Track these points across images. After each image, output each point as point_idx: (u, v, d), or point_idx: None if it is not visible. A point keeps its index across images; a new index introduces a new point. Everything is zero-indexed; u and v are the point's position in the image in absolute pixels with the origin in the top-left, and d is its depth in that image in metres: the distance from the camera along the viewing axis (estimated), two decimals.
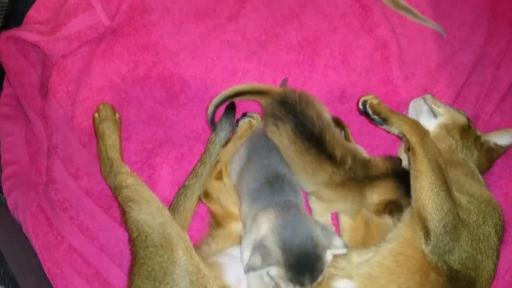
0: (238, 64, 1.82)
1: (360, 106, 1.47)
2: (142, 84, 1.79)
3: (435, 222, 1.30)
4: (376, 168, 1.46)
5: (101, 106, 1.69)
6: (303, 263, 1.25)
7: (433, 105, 1.58)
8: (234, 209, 1.60)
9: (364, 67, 1.79)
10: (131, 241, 1.44)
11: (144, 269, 1.35)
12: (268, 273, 1.27)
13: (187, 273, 1.31)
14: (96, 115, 1.69)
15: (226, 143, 1.68)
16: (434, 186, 1.32)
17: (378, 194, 1.46)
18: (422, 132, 1.42)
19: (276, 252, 1.25)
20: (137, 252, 1.40)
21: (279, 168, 1.48)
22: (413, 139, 1.39)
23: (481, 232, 1.32)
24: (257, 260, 1.23)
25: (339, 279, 1.32)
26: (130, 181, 1.52)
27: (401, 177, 1.45)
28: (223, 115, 1.70)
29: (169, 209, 1.62)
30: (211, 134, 1.69)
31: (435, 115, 1.57)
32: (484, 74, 1.76)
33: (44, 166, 1.72)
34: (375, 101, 1.45)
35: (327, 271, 1.30)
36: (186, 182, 1.65)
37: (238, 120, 1.70)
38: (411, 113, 1.63)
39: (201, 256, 1.44)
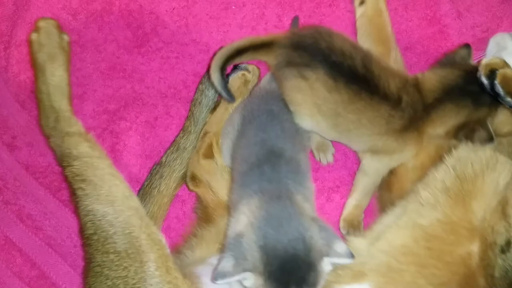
0: None
1: (483, 80, 1.07)
2: (101, 22, 1.40)
3: None
4: (428, 91, 1.12)
5: (41, 23, 1.22)
6: (289, 272, 0.90)
7: None
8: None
9: (401, 1, 1.41)
10: (84, 238, 1.05)
11: (100, 281, 0.99)
12: (241, 282, 0.93)
13: None
14: (35, 36, 1.22)
15: (215, 107, 1.30)
16: None
17: (441, 126, 1.12)
18: None
19: (254, 255, 0.91)
20: (93, 255, 1.02)
21: (276, 143, 1.10)
22: None
23: None
24: (228, 264, 0.90)
25: (344, 285, 0.99)
26: (84, 148, 1.10)
27: (460, 90, 1.11)
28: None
29: (138, 193, 1.25)
30: (196, 92, 1.31)
31: None
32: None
33: None
34: (508, 70, 1.04)
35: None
36: (164, 158, 1.29)
37: (228, 76, 1.30)
38: (491, 50, 1.27)
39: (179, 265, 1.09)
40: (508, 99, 1.06)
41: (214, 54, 1.21)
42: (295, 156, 1.10)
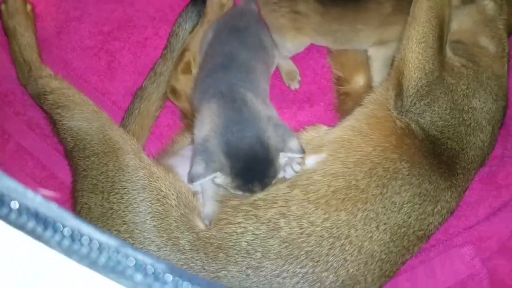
0: None
1: None
2: None
3: (411, 80, 1.11)
4: None
5: None
6: (251, 170, 0.99)
7: None
8: None
9: None
10: (68, 153, 1.16)
11: (88, 182, 1.09)
12: (213, 180, 1.02)
13: (138, 179, 1.06)
14: (3, 7, 1.32)
15: (192, 30, 1.34)
16: (424, 39, 1.12)
17: None
18: None
19: (219, 157, 0.99)
20: (77, 164, 1.12)
21: (231, 51, 1.15)
22: None
23: (466, 103, 1.12)
24: (200, 167, 0.98)
25: (306, 156, 1.07)
26: (55, 85, 1.21)
27: None
28: (190, 2, 1.35)
29: (124, 116, 1.33)
30: (174, 24, 1.35)
31: None
32: None
33: None
34: None
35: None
36: (144, 83, 1.33)
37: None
38: None
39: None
40: None
41: None
42: (250, 62, 1.15)
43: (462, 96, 1.12)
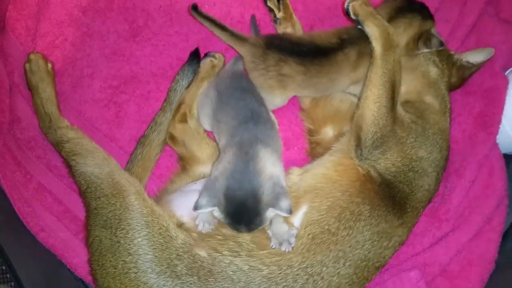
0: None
1: (345, 5, 1.32)
2: (104, 17, 1.55)
3: (368, 133, 1.22)
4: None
5: (32, 56, 1.46)
6: (240, 214, 1.13)
7: None
8: (198, 152, 1.44)
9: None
10: (82, 194, 1.30)
11: (99, 219, 1.22)
12: (212, 213, 1.17)
13: (142, 216, 1.19)
14: (27, 66, 1.45)
15: (188, 85, 1.48)
16: (378, 99, 1.23)
17: (399, 37, 1.32)
18: (390, 45, 1.26)
19: (219, 197, 1.13)
20: (89, 203, 1.25)
21: (256, 107, 1.29)
22: (377, 49, 1.26)
23: (414, 153, 1.24)
24: (204, 200, 1.13)
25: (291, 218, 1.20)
26: (72, 135, 1.36)
27: (406, 8, 1.35)
28: (187, 62, 1.49)
29: (128, 160, 1.45)
30: (172, 81, 1.48)
31: None
32: (451, 11, 1.58)
33: (7, 105, 1.50)
34: (357, 2, 1.30)
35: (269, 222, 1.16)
36: (146, 131, 1.46)
37: (199, 61, 1.48)
38: None
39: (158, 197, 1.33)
40: (354, 17, 1.30)
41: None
42: (269, 117, 1.32)
43: (410, 147, 1.26)
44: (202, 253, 1.18)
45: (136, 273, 1.16)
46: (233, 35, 1.39)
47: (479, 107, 1.47)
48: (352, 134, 1.28)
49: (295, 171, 1.31)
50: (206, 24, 1.44)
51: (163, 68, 1.57)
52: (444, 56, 1.41)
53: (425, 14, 1.36)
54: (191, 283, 1.14)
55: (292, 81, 1.35)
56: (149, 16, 1.58)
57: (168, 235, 1.19)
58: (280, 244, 1.15)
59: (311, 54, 1.32)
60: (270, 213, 1.14)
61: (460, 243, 1.37)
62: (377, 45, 1.27)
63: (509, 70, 1.50)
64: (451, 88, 1.44)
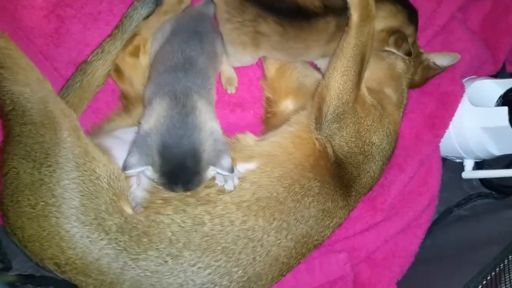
0: None
1: None
2: None
3: (330, 106, 1.16)
4: None
5: None
6: (178, 174, 1.00)
7: None
8: None
9: None
10: (4, 114, 1.06)
11: (20, 148, 1.02)
12: (144, 172, 1.02)
13: (73, 156, 1.01)
14: None
15: (147, 16, 1.27)
16: (346, 72, 1.17)
17: (379, 22, 1.24)
18: (367, 16, 1.18)
19: (153, 154, 0.98)
20: (12, 127, 1.04)
21: (193, 55, 1.12)
22: (354, 17, 1.18)
23: (368, 137, 1.21)
24: (134, 158, 0.97)
25: (238, 162, 1.13)
26: (1, 44, 1.11)
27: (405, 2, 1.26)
28: None
29: (64, 85, 1.23)
30: (130, 6, 1.27)
31: None
32: (424, 8, 1.49)
33: None
34: None
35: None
36: (89, 57, 1.24)
37: None
38: None
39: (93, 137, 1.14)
40: None
41: None
42: (207, 70, 1.14)
43: (366, 130, 1.21)
44: (137, 216, 1.03)
45: (58, 218, 0.99)
46: None
47: (432, 108, 1.45)
48: (314, 105, 1.20)
49: (251, 135, 1.22)
50: None
51: None
52: (414, 53, 1.35)
53: (413, 18, 1.29)
54: (120, 241, 1.00)
55: (267, 41, 1.21)
56: None
57: (99, 184, 1.03)
58: (226, 181, 1.05)
59: (291, 14, 1.19)
60: (210, 172, 1.02)
61: (389, 234, 1.37)
62: (354, 13, 1.18)
63: (467, 78, 1.50)
64: (412, 85, 1.39)
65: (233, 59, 1.27)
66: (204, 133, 1.01)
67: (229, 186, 1.05)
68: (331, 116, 1.17)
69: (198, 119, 1.01)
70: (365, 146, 1.21)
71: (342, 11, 1.21)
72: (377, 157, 1.24)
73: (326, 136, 1.18)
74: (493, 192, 1.55)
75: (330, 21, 1.21)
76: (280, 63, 1.34)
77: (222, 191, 1.06)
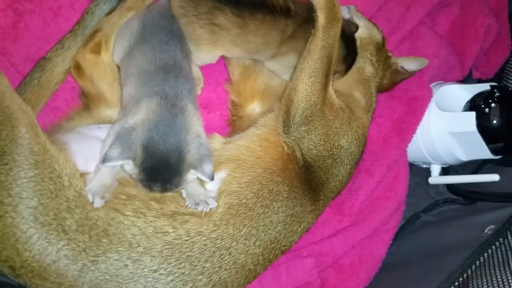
0: None
1: None
2: None
3: (298, 108, 1.21)
4: None
5: None
6: (159, 171, 1.04)
7: (355, 16, 1.43)
8: (108, 93, 1.30)
9: None
10: None
11: None
12: (123, 166, 1.06)
13: (31, 153, 1.04)
14: None
15: (110, 12, 1.31)
16: (314, 73, 1.22)
17: None
18: (334, 18, 1.25)
19: (137, 149, 1.02)
20: None
21: (179, 58, 1.19)
22: (321, 19, 1.24)
23: (337, 140, 1.26)
24: (116, 151, 1.01)
25: None
26: None
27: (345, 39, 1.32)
28: None
29: (21, 81, 1.26)
30: (92, 1, 1.30)
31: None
32: (393, 12, 1.62)
33: None
34: None
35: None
36: (48, 54, 1.27)
37: None
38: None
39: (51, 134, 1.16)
40: None
41: None
42: (190, 72, 1.22)
43: (335, 133, 1.27)
44: (98, 212, 1.06)
45: (14, 218, 1.01)
46: None
47: (400, 113, 1.54)
48: (282, 108, 1.25)
49: (218, 138, 1.27)
50: None
51: None
52: (382, 57, 1.44)
53: (348, 59, 1.37)
54: (79, 242, 1.02)
55: (226, 34, 1.26)
56: None
57: (60, 182, 1.05)
58: (197, 204, 1.09)
59: (252, 5, 1.24)
60: (191, 175, 1.07)
61: (356, 239, 1.45)
62: (321, 15, 1.25)
63: (435, 83, 1.60)
64: (380, 89, 1.48)
65: (194, 57, 1.31)
66: (190, 135, 1.06)
67: (202, 208, 1.09)
68: (299, 119, 1.23)
69: (187, 120, 1.07)
70: (334, 149, 1.27)
71: (303, 21, 1.29)
72: (345, 161, 1.31)
73: (294, 139, 1.23)
74: (460, 198, 1.64)
75: (289, 25, 1.28)
76: (244, 66, 1.41)
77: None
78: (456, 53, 1.66)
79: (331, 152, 1.27)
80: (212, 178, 1.05)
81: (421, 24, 1.65)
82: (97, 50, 1.29)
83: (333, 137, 1.27)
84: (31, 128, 1.07)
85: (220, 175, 1.17)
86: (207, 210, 1.10)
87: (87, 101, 1.31)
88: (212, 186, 1.15)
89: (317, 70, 1.23)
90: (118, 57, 1.27)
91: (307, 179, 1.23)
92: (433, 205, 1.67)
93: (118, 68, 1.30)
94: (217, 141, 1.25)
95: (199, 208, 1.09)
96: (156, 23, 1.25)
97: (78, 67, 1.29)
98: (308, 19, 1.28)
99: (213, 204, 1.10)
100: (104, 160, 1.02)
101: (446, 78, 1.65)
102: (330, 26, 1.24)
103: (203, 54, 1.31)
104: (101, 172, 1.10)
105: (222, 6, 1.22)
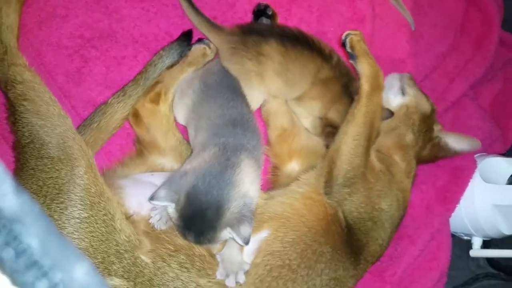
0: None
1: (342, 37, 1.32)
2: None
3: (341, 170, 1.21)
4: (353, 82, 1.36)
5: None
6: (194, 221, 1.02)
7: (406, 84, 1.45)
8: (162, 141, 1.31)
9: (334, 35, 1.56)
10: (19, 147, 1.11)
11: (33, 182, 1.05)
12: (167, 208, 1.06)
13: (88, 194, 1.04)
14: None
15: (171, 66, 1.36)
16: (357, 137, 1.23)
17: (335, 111, 1.35)
18: (377, 86, 1.27)
19: (181, 194, 1.02)
20: (27, 161, 1.08)
21: (246, 113, 1.22)
22: (365, 87, 1.26)
23: (377, 203, 1.25)
24: (163, 192, 1.01)
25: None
26: (27, 76, 1.17)
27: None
28: (177, 40, 1.38)
29: (81, 124, 1.29)
30: (156, 54, 1.36)
31: (403, 93, 1.45)
32: (437, 83, 1.64)
33: None
34: (356, 37, 1.30)
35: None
36: (110, 99, 1.30)
37: (192, 45, 1.38)
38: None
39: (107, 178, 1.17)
40: (349, 50, 1.29)
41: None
42: (257, 127, 1.23)
43: (376, 195, 1.25)
44: (146, 258, 1.05)
45: None
46: (209, 22, 1.32)
47: (443, 181, 1.53)
48: (324, 168, 1.25)
49: (261, 193, 1.24)
50: (183, 3, 1.34)
51: (146, 37, 1.42)
52: (426, 127, 1.43)
53: None
54: (123, 287, 1.01)
55: (270, 63, 1.30)
56: None
57: (112, 225, 1.06)
58: (227, 276, 1.05)
59: (294, 38, 1.31)
60: (226, 233, 1.03)
61: None
62: (365, 83, 1.27)
63: (478, 154, 1.60)
64: (421, 160, 1.45)
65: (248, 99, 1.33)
66: (236, 192, 1.04)
67: (230, 283, 1.05)
68: (341, 180, 1.23)
69: (236, 176, 1.06)
70: (374, 212, 1.26)
71: (337, 75, 1.34)
72: (386, 224, 1.29)
73: (336, 201, 1.22)
74: (501, 273, 1.59)
75: (324, 67, 1.32)
76: (281, 129, 1.43)
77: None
78: (499, 126, 1.66)
79: (371, 215, 1.25)
80: (247, 243, 1.01)
81: (464, 96, 1.67)
82: (156, 100, 1.33)
83: (374, 199, 1.26)
84: (90, 170, 1.08)
85: (262, 235, 1.15)
86: (234, 286, 1.05)
87: (141, 148, 1.33)
88: (252, 246, 1.12)
89: (360, 134, 1.24)
90: (183, 115, 1.31)
91: (349, 242, 1.21)
92: (474, 279, 1.61)
93: (174, 120, 1.34)
94: (260, 196, 1.22)
95: (227, 283, 1.05)
96: (218, 82, 1.29)
97: (136, 115, 1.33)
98: (340, 78, 1.34)
99: (242, 279, 1.05)
100: (152, 197, 1.02)
101: (489, 150, 1.65)
102: (373, 94, 1.27)
103: (254, 91, 1.33)
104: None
105: (267, 38, 1.29)
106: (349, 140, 1.24)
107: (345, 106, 1.34)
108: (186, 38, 1.40)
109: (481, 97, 1.71)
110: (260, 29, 1.31)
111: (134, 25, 1.42)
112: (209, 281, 1.07)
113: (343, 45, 1.32)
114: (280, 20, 1.50)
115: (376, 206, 1.26)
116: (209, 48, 1.38)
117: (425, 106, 1.45)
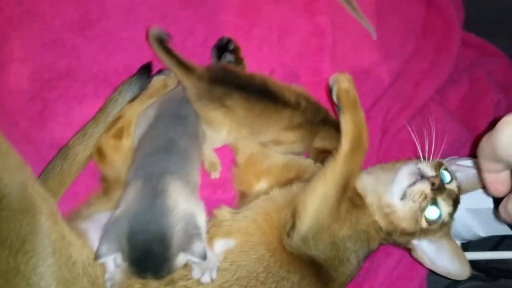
0: (170, 8, 1.47)
1: (330, 82, 1.22)
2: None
3: (304, 224, 1.15)
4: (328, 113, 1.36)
5: None
6: (147, 262, 1.00)
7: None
8: None
9: (297, 51, 1.57)
10: None
11: None
12: (115, 260, 1.03)
13: (50, 241, 1.04)
14: None
15: (132, 99, 1.35)
16: (324, 198, 1.15)
17: (320, 139, 1.34)
18: (359, 147, 1.17)
19: (123, 241, 0.99)
20: None
21: (175, 137, 1.19)
22: (345, 146, 1.16)
23: (343, 245, 1.21)
24: (104, 247, 0.98)
25: (218, 239, 1.17)
26: None
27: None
28: (136, 73, 1.36)
29: (44, 169, 1.28)
30: (115, 90, 1.35)
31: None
32: (402, 89, 1.65)
33: None
34: (344, 85, 1.20)
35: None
36: (71, 141, 1.29)
37: (152, 76, 1.37)
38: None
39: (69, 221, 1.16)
40: (336, 101, 1.20)
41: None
42: (188, 150, 1.19)
43: (341, 239, 1.20)
44: None
45: None
46: (180, 62, 1.27)
47: None
48: (288, 212, 1.20)
49: (227, 209, 1.27)
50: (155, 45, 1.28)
51: (105, 72, 1.41)
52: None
53: None
54: None
55: (234, 115, 1.30)
56: (104, 12, 1.43)
57: (75, 270, 1.05)
58: (203, 273, 1.06)
59: (258, 93, 1.30)
60: (182, 258, 1.02)
61: None
62: (345, 142, 1.17)
63: (449, 158, 1.60)
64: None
65: (209, 139, 1.35)
66: (173, 216, 1.02)
67: (205, 279, 1.07)
68: (304, 234, 1.16)
69: (168, 201, 1.03)
70: (340, 253, 1.21)
71: (313, 124, 1.34)
72: (354, 261, 1.25)
73: (298, 247, 1.18)
74: (482, 274, 1.59)
75: (295, 116, 1.32)
76: (249, 154, 1.42)
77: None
78: (468, 129, 1.67)
79: (338, 255, 1.21)
80: (203, 257, 1.00)
81: (431, 100, 1.67)
82: (119, 136, 1.32)
83: (340, 243, 1.21)
84: (51, 216, 1.07)
85: (229, 243, 1.17)
86: (209, 281, 1.07)
87: (106, 186, 1.31)
88: (218, 250, 1.16)
89: (330, 196, 1.16)
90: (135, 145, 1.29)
91: (317, 273, 1.20)
92: (455, 282, 1.60)
93: None
94: (226, 211, 1.24)
95: (203, 279, 1.07)
96: (166, 109, 1.29)
97: (100, 152, 1.31)
98: (315, 117, 1.34)
99: (215, 275, 1.08)
100: (97, 257, 1.00)
101: (460, 153, 1.65)
102: (353, 155, 1.17)
103: (216, 136, 1.34)
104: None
105: (232, 92, 1.27)
106: (316, 200, 1.16)
107: (329, 132, 1.34)
108: (146, 71, 1.39)
109: (448, 101, 1.71)
110: (226, 80, 1.28)
111: (93, 61, 1.42)
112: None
113: (330, 92, 1.23)
114: (241, 42, 1.50)
115: (341, 248, 1.21)
116: (170, 78, 1.38)
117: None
